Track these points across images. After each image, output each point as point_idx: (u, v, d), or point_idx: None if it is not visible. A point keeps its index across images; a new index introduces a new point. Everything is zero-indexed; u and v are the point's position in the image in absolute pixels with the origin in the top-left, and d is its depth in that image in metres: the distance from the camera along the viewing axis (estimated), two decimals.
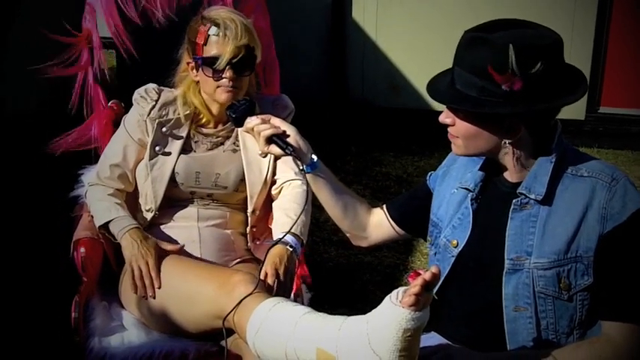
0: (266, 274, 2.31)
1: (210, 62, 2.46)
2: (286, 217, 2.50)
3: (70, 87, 2.84)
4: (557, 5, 5.45)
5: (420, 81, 5.61)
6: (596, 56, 5.55)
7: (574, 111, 5.47)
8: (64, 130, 2.83)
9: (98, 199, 2.54)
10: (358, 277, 3.87)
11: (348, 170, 5.23)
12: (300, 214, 2.39)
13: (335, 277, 3.86)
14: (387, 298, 1.74)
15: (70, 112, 2.81)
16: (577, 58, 5.17)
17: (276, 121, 2.14)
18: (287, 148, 2.08)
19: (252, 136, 2.16)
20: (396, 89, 5.84)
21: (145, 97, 2.60)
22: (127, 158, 2.58)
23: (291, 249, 2.41)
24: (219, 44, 2.44)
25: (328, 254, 4.06)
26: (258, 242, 2.68)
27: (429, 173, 2.22)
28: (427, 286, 1.67)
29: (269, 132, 2.09)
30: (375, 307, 1.80)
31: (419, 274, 1.67)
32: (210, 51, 2.46)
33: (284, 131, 2.12)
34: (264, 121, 2.13)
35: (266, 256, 2.33)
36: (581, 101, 5.50)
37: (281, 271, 2.35)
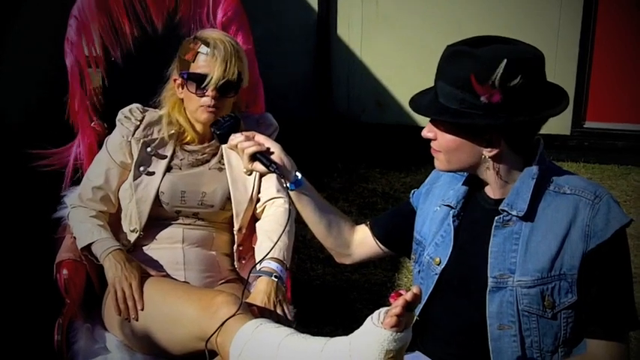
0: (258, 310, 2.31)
1: (196, 78, 2.46)
2: (268, 240, 2.50)
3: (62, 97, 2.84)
4: (542, 20, 5.48)
5: (405, 97, 5.55)
6: (581, 71, 5.56)
7: (560, 126, 5.49)
8: (56, 138, 2.82)
9: (80, 220, 2.53)
10: (345, 295, 3.86)
11: (334, 187, 5.22)
12: (280, 237, 2.38)
13: (322, 295, 3.84)
14: (368, 319, 1.73)
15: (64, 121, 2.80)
16: (562, 72, 5.20)
17: (260, 138, 2.12)
18: (271, 166, 2.07)
19: (237, 153, 2.14)
20: (380, 106, 5.84)
21: (129, 117, 2.59)
22: (110, 181, 2.57)
23: (276, 279, 2.41)
24: (207, 63, 2.45)
25: (315, 272, 4.05)
26: (244, 261, 2.67)
27: (412, 191, 2.21)
28: (408, 306, 1.67)
29: (253, 149, 2.08)
30: (361, 325, 1.79)
31: (400, 295, 1.67)
32: (198, 68, 2.46)
33: (268, 148, 2.10)
34: (248, 138, 2.11)
35: (248, 277, 2.32)
36: (567, 116, 5.54)
37: (271, 307, 2.35)
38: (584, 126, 5.71)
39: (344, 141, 5.83)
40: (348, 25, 5.77)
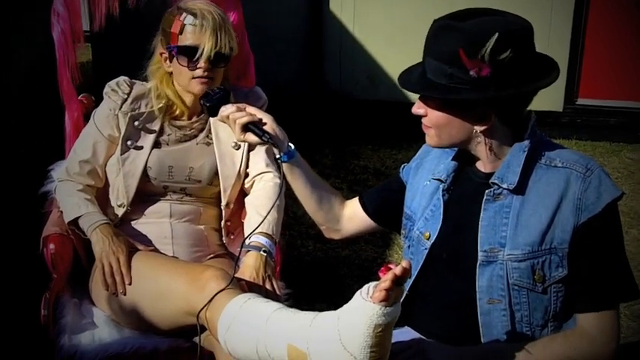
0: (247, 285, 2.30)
1: (186, 51, 2.42)
2: (257, 215, 2.48)
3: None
4: None
5: (398, 73, 5.57)
6: (574, 47, 5.54)
7: (552, 102, 5.47)
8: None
9: (67, 194, 2.50)
10: (336, 271, 3.85)
11: (325, 163, 5.20)
12: (269, 211, 2.36)
13: (313, 271, 3.83)
14: (357, 293, 1.71)
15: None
16: (555, 49, 5.16)
17: (251, 110, 2.09)
18: (264, 136, 2.04)
19: (228, 124, 2.11)
20: (372, 81, 5.81)
21: (116, 90, 2.55)
22: (97, 154, 2.54)
23: (265, 254, 2.39)
24: (196, 34, 2.40)
25: (306, 248, 4.04)
26: (232, 237, 2.65)
27: (402, 166, 2.20)
28: (398, 280, 1.65)
29: (245, 119, 2.05)
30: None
31: (389, 269, 1.65)
32: (186, 40, 2.42)
33: (260, 119, 2.08)
34: (239, 109, 2.08)
35: (239, 254, 2.31)
36: (559, 93, 5.52)
37: (260, 282, 2.34)
38: (577, 103, 5.71)
39: (336, 117, 5.81)
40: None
